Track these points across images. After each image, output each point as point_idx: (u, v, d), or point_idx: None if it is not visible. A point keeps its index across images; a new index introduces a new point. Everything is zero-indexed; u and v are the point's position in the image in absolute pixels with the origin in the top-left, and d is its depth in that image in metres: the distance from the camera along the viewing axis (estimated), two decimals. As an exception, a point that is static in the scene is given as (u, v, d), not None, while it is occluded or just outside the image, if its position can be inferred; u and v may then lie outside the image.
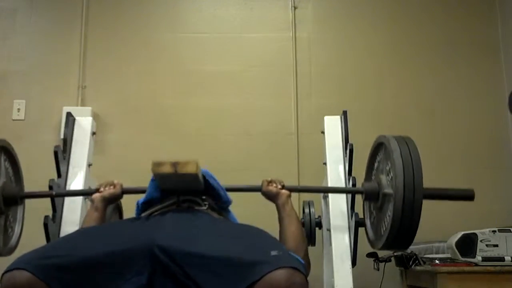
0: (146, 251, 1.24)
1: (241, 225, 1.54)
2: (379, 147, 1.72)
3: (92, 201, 1.73)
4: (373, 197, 1.67)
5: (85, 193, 1.90)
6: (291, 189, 1.78)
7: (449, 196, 1.81)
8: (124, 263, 1.23)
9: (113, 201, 1.78)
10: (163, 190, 1.70)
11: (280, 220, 1.71)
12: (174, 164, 1.58)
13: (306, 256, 1.65)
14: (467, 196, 1.73)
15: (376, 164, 1.76)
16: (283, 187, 1.77)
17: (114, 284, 1.21)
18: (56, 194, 1.85)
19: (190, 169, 1.58)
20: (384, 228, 1.59)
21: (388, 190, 1.58)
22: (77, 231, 1.61)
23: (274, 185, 1.76)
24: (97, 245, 1.27)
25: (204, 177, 1.69)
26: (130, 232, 1.37)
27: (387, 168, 1.61)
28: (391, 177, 1.57)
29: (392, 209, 1.52)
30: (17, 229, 1.79)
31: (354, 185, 1.90)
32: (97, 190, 1.74)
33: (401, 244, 1.58)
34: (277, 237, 1.65)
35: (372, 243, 1.75)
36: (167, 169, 1.58)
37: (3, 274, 1.16)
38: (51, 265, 1.18)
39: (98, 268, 1.21)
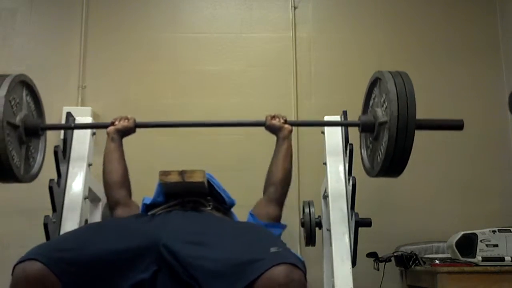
0: (152, 250, 1.27)
1: (243, 223, 1.56)
2: (375, 82, 1.76)
3: (108, 134, 1.85)
4: (369, 128, 1.73)
5: (101, 127, 2.04)
6: (293, 124, 1.91)
7: (440, 126, 1.88)
8: (131, 261, 1.25)
9: (126, 134, 1.88)
10: (169, 195, 1.72)
11: (276, 152, 1.81)
12: (181, 173, 1.64)
13: (286, 193, 1.78)
14: (456, 125, 1.79)
15: (371, 101, 1.79)
16: (285, 121, 1.85)
17: (121, 280, 1.23)
18: (75, 126, 2.00)
19: (197, 177, 1.64)
20: (380, 156, 1.64)
21: (383, 118, 1.63)
22: (86, 225, 1.65)
23: (277, 119, 1.85)
24: (106, 242, 1.29)
25: (208, 181, 1.71)
26: (137, 230, 1.39)
27: (382, 100, 1.64)
28: (386, 107, 1.62)
29: (387, 134, 1.57)
30: (38, 158, 1.89)
31: (354, 184, 1.90)
32: (112, 124, 1.87)
33: (395, 169, 1.63)
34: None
35: (368, 172, 1.82)
36: (174, 178, 1.64)
37: (15, 265, 1.17)
38: (62, 258, 1.19)
39: (106, 264, 1.23)
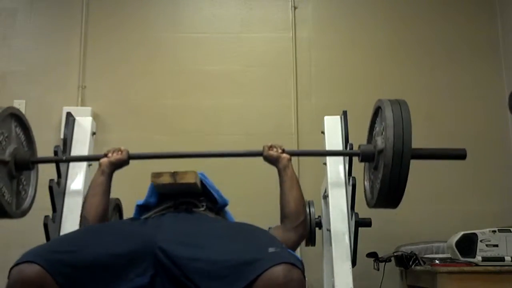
0: (148, 253, 1.26)
1: (239, 223, 1.55)
2: (377, 111, 1.75)
3: (100, 165, 1.77)
4: (369, 157, 1.71)
5: (93, 159, 1.95)
6: (291, 153, 1.82)
7: (440, 156, 1.82)
8: (127, 264, 1.25)
9: (119, 166, 1.80)
10: (162, 195, 1.71)
11: (281, 184, 1.73)
12: (173, 175, 1.62)
13: (305, 220, 1.69)
14: (459, 155, 1.72)
15: (374, 131, 1.79)
16: (283, 151, 1.80)
17: (117, 284, 1.22)
18: (66, 159, 1.96)
19: (189, 179, 1.63)
20: (377, 185, 1.63)
21: (381, 146, 1.62)
22: (83, 228, 1.63)
23: (275, 149, 1.79)
24: (103, 245, 1.29)
25: (201, 181, 1.70)
26: (133, 233, 1.38)
27: (382, 128, 1.64)
28: (384, 134, 1.60)
29: (383, 162, 1.55)
30: (30, 192, 1.86)
31: (354, 185, 1.90)
32: (105, 155, 1.79)
33: (391, 199, 1.61)
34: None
35: (368, 203, 1.79)
36: (166, 179, 1.63)
37: (12, 268, 1.17)
38: (59, 260, 1.19)
39: (103, 268, 1.23)
